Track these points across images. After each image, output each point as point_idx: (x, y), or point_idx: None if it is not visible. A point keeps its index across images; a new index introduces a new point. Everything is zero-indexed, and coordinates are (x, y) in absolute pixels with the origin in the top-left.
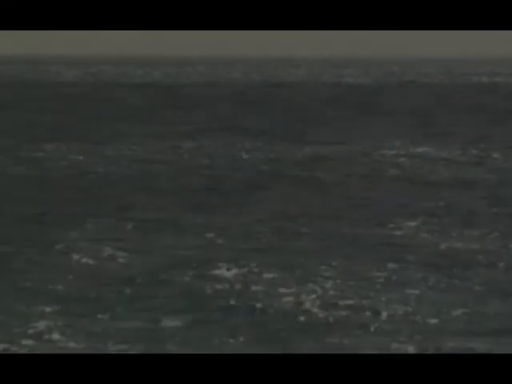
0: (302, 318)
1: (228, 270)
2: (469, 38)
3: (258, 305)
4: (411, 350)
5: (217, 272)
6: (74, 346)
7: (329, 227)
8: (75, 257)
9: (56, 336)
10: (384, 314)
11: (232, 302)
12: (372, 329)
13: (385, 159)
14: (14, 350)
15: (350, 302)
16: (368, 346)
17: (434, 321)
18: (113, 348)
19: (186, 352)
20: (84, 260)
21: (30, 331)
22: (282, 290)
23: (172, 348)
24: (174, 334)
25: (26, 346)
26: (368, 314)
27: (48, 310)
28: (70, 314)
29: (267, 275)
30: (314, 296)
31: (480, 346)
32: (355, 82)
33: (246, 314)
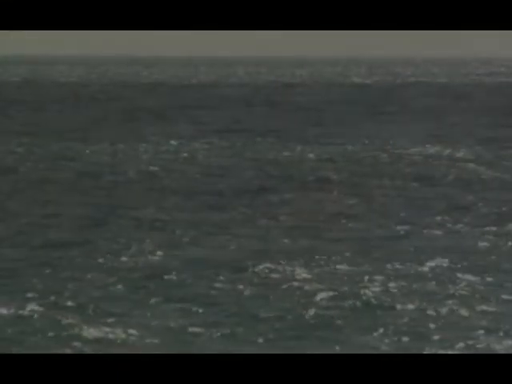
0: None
1: (263, 268)
2: (469, 37)
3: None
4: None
5: (246, 271)
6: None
7: (351, 227)
8: (121, 256)
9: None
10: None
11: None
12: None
13: (402, 158)
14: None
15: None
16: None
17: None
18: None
19: (186, 352)
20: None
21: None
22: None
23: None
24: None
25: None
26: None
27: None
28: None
29: (296, 273)
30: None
31: None
32: (363, 82)
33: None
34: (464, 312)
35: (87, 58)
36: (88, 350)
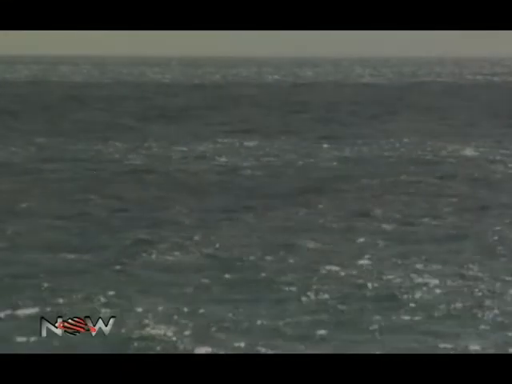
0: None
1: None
2: (469, 37)
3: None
4: None
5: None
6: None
7: (374, 228)
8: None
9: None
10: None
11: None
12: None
13: (426, 157)
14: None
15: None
16: None
17: None
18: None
19: (186, 352)
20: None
21: None
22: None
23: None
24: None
25: None
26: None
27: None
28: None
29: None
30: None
31: None
32: (375, 81)
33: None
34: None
35: (88, 57)
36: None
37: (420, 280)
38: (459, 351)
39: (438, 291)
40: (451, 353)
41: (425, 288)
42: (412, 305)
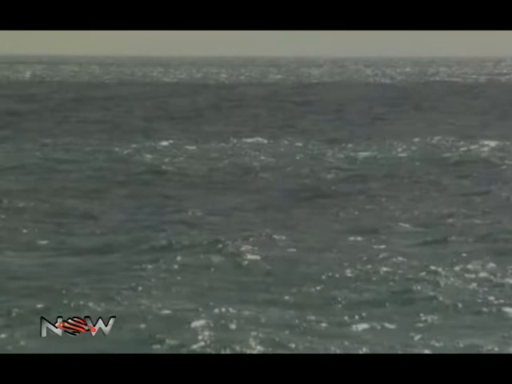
0: None
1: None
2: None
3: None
4: None
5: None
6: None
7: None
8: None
9: None
10: None
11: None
12: None
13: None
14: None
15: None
16: None
17: None
18: None
19: (186, 352)
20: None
21: None
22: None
23: None
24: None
25: None
26: None
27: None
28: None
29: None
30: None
31: None
32: (386, 81)
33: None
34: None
35: (94, 58)
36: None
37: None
38: (460, 351)
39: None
40: (451, 353)
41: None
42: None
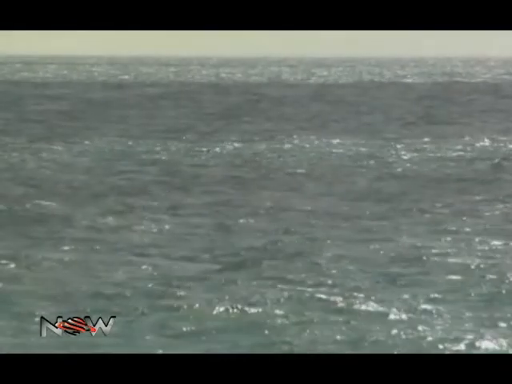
0: None
1: None
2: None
3: None
4: None
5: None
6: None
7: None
8: None
9: None
10: None
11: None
12: None
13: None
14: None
15: None
16: None
17: None
18: None
19: (186, 352)
20: None
21: None
22: None
23: None
24: None
25: None
26: None
27: None
28: None
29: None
30: None
31: None
32: (415, 81)
33: None
34: None
35: (104, 58)
36: None
37: None
38: (460, 351)
39: None
40: (451, 353)
41: None
42: None
